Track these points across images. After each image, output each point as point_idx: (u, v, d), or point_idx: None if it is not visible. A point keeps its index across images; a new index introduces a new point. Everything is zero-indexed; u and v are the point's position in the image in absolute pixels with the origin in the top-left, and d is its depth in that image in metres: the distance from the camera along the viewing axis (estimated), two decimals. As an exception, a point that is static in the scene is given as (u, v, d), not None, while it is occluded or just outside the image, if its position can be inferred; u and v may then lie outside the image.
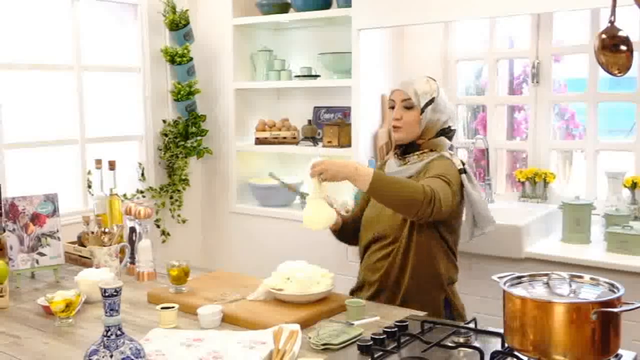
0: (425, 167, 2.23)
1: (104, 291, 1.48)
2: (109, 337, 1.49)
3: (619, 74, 1.90)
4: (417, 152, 2.28)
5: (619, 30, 1.91)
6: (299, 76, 3.78)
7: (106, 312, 1.49)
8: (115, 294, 1.49)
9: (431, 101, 2.26)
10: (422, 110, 2.26)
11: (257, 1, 3.81)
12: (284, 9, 3.77)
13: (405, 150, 2.32)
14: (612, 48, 1.89)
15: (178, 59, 3.84)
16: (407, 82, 2.31)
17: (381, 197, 2.08)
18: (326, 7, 3.61)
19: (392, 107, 2.30)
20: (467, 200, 2.24)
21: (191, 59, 3.89)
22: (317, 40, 3.87)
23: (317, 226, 2.17)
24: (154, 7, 3.83)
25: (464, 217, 2.30)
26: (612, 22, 1.90)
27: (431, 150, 2.27)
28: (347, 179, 2.07)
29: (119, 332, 1.50)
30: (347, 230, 2.43)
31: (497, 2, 2.96)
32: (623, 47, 1.89)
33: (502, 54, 3.55)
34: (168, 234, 3.98)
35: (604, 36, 1.91)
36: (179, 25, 3.83)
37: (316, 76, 3.75)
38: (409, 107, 2.26)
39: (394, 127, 2.28)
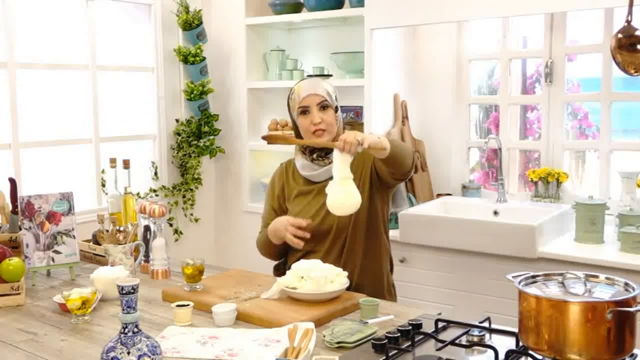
0: (361, 159, 2.26)
1: (121, 289, 1.49)
2: (126, 334, 1.50)
3: (635, 74, 1.90)
4: None
5: (635, 29, 1.91)
6: (311, 75, 3.79)
7: (123, 310, 1.50)
8: (132, 291, 1.49)
9: (336, 98, 2.32)
10: (337, 108, 2.30)
11: (270, 1, 3.82)
12: (296, 8, 3.78)
13: (325, 151, 2.29)
14: (628, 47, 1.89)
15: (191, 59, 3.86)
16: (315, 84, 2.29)
17: (394, 155, 2.08)
18: (339, 6, 3.62)
19: (304, 113, 2.26)
20: None
21: (204, 58, 3.91)
22: (329, 40, 3.88)
23: (346, 211, 2.06)
24: (167, 7, 3.85)
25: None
26: (629, 22, 1.90)
27: None
28: (375, 145, 2.02)
29: (136, 329, 1.51)
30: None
31: (511, 2, 2.96)
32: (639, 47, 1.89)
33: (515, 54, 3.55)
34: (181, 233, 4.00)
35: (620, 35, 1.91)
36: (192, 25, 3.85)
37: (328, 75, 3.76)
38: (325, 108, 2.26)
39: (319, 130, 2.24)
